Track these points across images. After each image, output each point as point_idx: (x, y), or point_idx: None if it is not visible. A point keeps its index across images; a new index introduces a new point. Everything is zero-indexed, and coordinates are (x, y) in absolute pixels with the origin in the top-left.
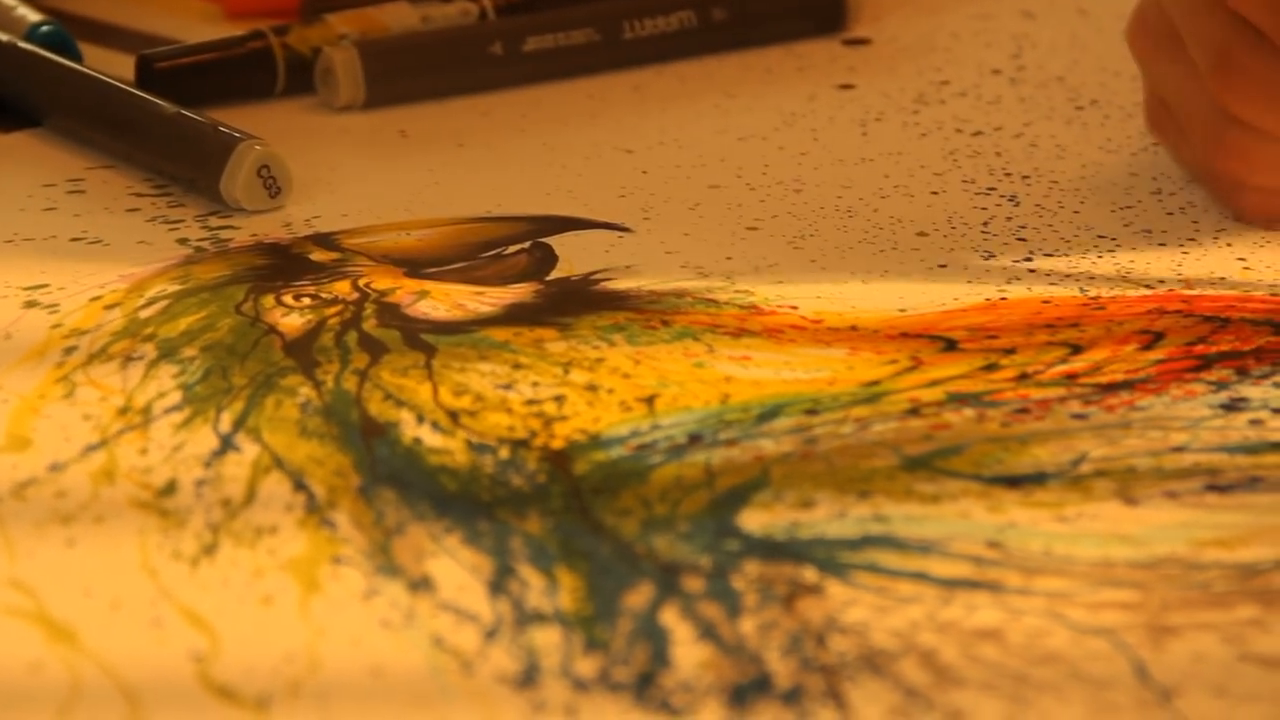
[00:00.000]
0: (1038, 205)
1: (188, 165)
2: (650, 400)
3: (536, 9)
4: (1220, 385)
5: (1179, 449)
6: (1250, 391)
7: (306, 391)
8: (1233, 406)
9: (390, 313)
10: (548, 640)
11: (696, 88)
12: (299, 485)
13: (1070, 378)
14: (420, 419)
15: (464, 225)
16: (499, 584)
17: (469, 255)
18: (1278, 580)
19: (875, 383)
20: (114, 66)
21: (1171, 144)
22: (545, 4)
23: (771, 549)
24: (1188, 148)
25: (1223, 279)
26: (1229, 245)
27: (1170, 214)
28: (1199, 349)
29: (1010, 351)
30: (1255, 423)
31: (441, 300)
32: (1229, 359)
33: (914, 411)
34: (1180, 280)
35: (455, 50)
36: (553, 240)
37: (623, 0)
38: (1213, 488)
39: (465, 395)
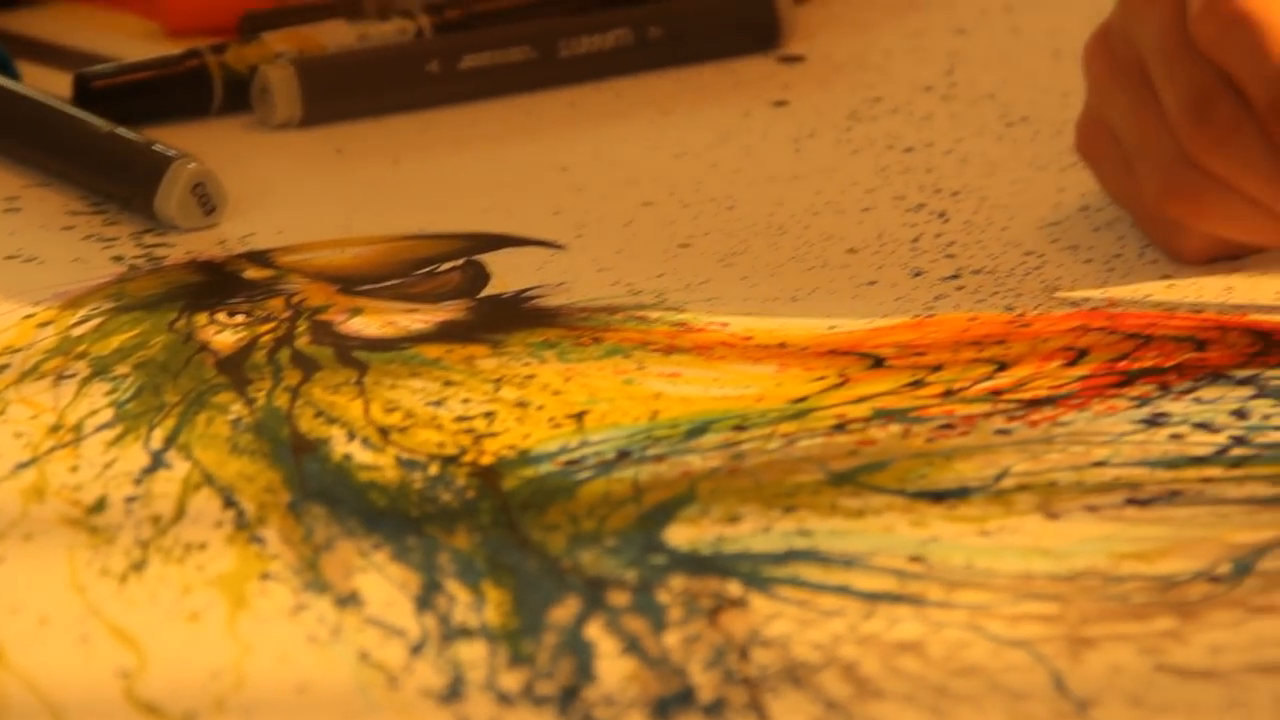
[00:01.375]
0: (967, 222)
1: (122, 183)
2: (580, 416)
3: (473, 27)
4: (1142, 401)
5: (1100, 464)
6: (1171, 407)
7: (238, 409)
8: (1154, 422)
9: (323, 330)
10: (473, 654)
11: (632, 105)
12: (229, 502)
13: (995, 394)
14: (351, 435)
15: (398, 243)
16: (426, 599)
17: (403, 273)
18: (1195, 592)
19: (803, 399)
20: (53, 85)
21: (1106, 170)
22: (482, 22)
23: (697, 563)
24: (1130, 180)
25: (1147, 296)
26: (1154, 262)
27: (1097, 230)
28: (1122, 365)
29: (937, 368)
30: (1175, 437)
31: (374, 317)
32: (1151, 375)
33: (840, 427)
34: (1105, 298)
35: (392, 68)
36: (486, 257)
37: (559, 18)
38: (1133, 501)
39: (396, 412)
